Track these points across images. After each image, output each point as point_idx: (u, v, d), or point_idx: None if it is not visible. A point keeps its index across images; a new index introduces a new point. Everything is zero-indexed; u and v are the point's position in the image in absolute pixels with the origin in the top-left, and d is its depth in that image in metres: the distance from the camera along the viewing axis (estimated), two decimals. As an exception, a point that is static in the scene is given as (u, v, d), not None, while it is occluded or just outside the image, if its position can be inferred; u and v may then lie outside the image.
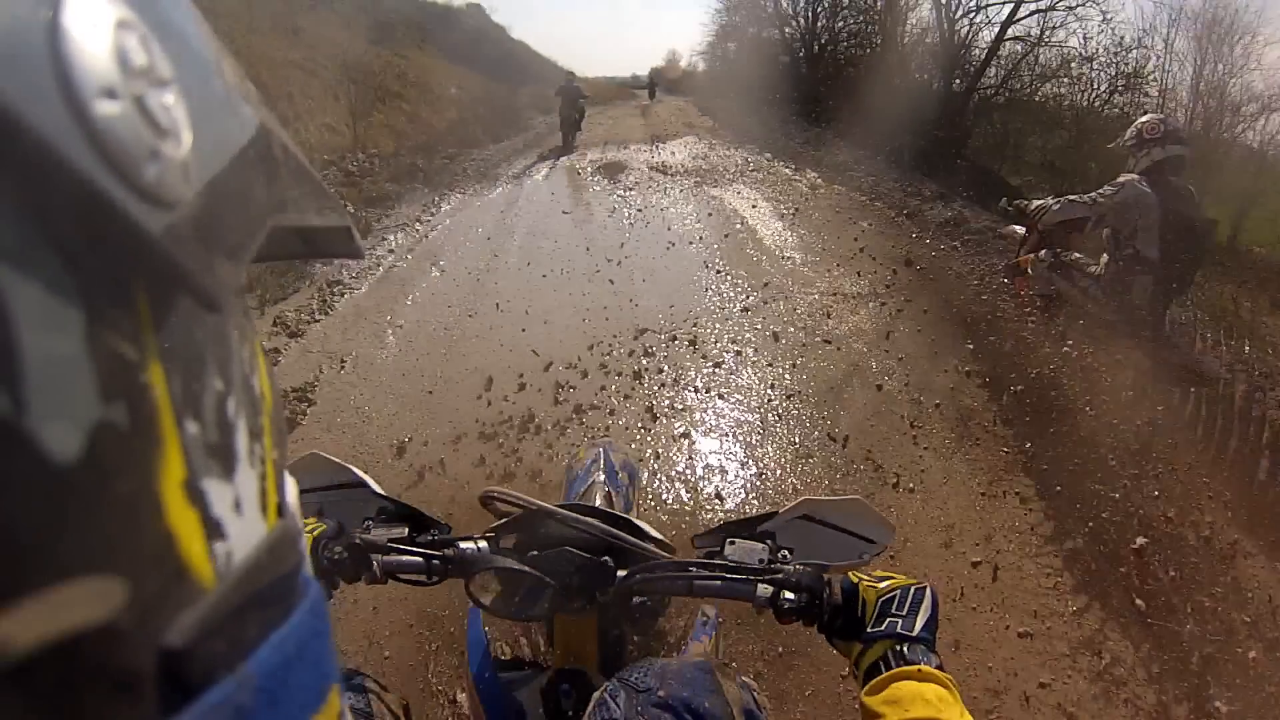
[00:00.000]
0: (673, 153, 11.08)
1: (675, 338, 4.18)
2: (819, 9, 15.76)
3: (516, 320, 4.44)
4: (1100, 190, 3.61)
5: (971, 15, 10.67)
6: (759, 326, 4.36)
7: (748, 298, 4.83)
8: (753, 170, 9.49)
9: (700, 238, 6.24)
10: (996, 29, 10.82)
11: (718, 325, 4.39)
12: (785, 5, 16.75)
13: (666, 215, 7.07)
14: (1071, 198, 3.71)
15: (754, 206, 7.39)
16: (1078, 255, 3.95)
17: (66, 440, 0.15)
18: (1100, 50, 10.59)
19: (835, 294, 4.88)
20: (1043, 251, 4.01)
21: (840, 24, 14.76)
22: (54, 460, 0.15)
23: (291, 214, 0.25)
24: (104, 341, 0.16)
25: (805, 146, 10.92)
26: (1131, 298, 3.65)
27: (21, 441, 0.14)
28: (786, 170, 9.51)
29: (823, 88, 13.42)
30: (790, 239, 6.19)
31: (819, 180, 8.79)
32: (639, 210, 7.27)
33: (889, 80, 11.57)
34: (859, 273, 5.28)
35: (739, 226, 6.60)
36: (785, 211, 7.14)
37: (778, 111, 14.13)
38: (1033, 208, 3.96)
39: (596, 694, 0.73)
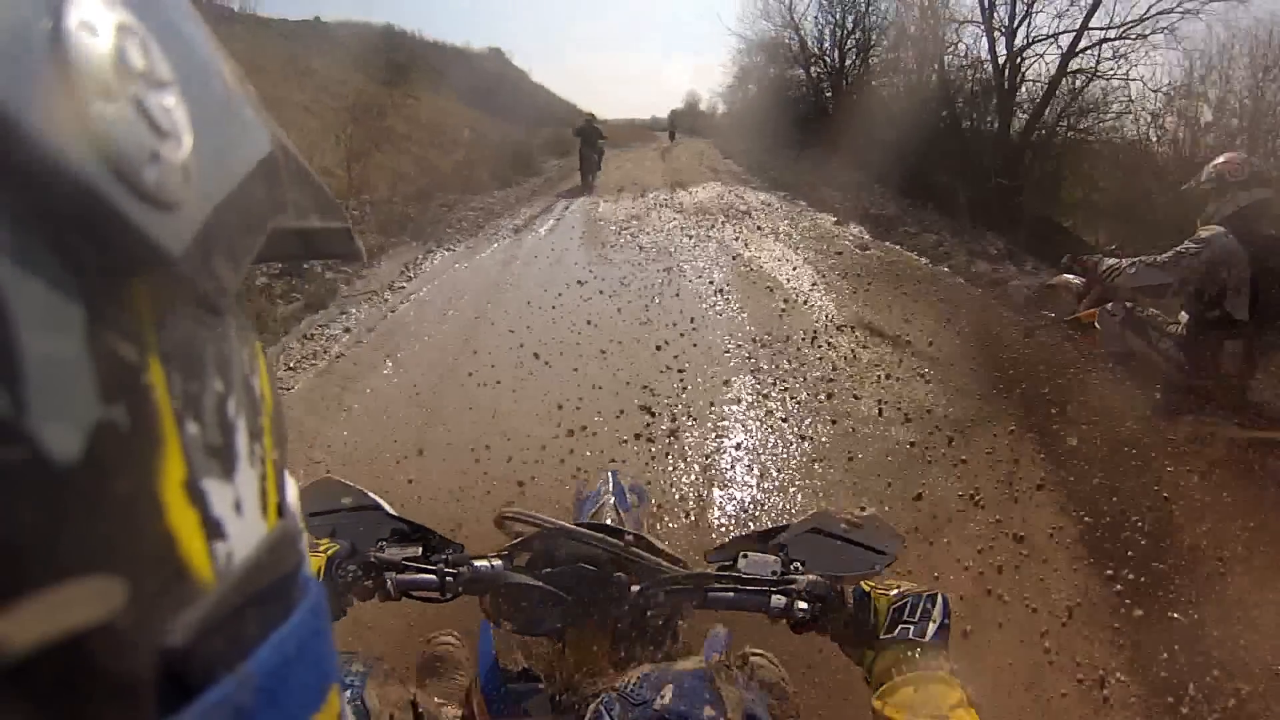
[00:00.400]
0: (698, 202, 9.68)
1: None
2: (848, 46, 14.59)
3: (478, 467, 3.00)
4: (1181, 248, 3.07)
5: (1022, 50, 9.19)
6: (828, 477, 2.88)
7: (813, 440, 3.35)
8: (788, 224, 8.07)
9: (741, 338, 4.75)
10: (1048, 60, 9.38)
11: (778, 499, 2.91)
12: (811, 44, 15.58)
13: (691, 290, 5.63)
14: (1149, 259, 3.15)
15: (799, 277, 5.92)
16: (1154, 311, 3.39)
17: (66, 440, 0.15)
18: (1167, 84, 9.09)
19: (931, 419, 3.39)
20: (1110, 305, 3.41)
21: (875, 60, 13.45)
22: (54, 460, 0.14)
23: (292, 216, 0.25)
24: (104, 342, 0.16)
25: (842, 195, 9.51)
26: (1220, 364, 3.10)
27: (21, 441, 0.14)
28: (827, 223, 8.09)
29: (854, 130, 12.07)
30: (853, 331, 4.70)
31: (867, 236, 7.35)
32: (654, 282, 5.83)
33: (931, 122, 10.17)
34: (948, 380, 3.80)
35: (781, 304, 5.15)
36: (836, 282, 5.66)
37: (806, 155, 12.79)
38: (1103, 268, 3.35)
39: (591, 706, 0.69)
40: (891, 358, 4.12)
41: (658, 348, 4.19)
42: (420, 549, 0.86)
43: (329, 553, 0.80)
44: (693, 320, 4.70)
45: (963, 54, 10.25)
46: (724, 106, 26.27)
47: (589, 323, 4.65)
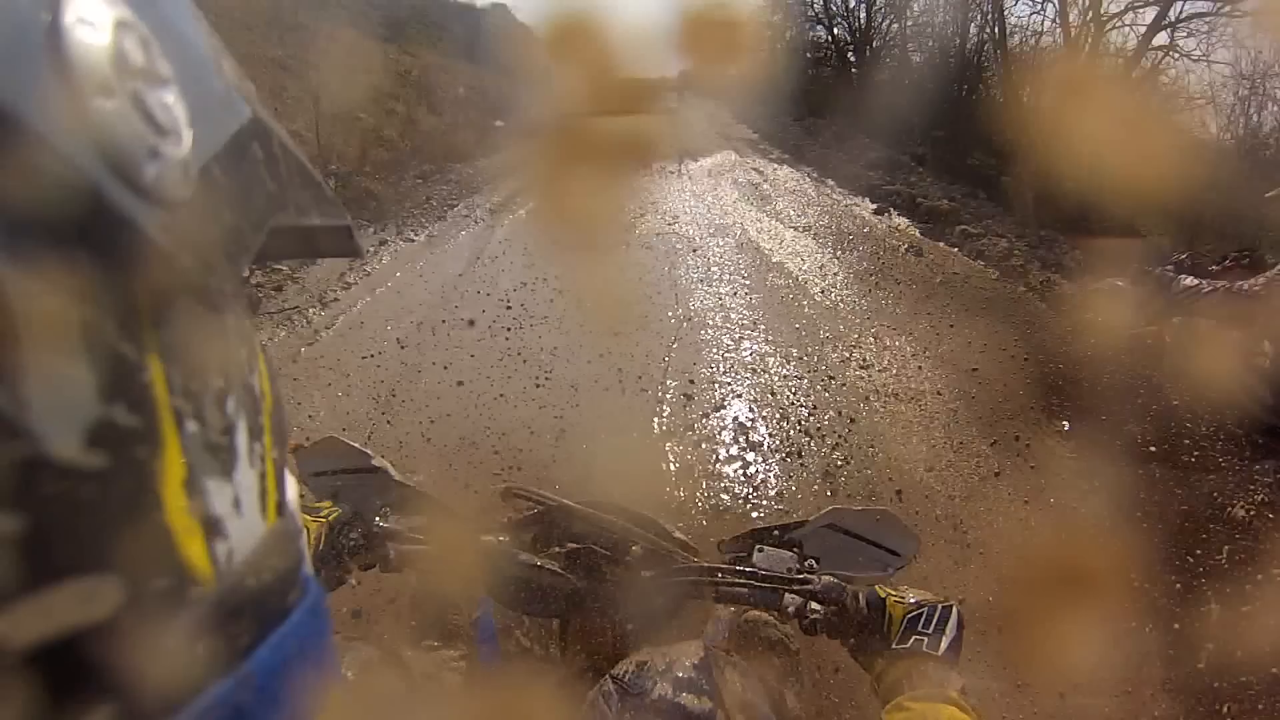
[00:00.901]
0: (710, 175, 8.12)
1: None
2: (877, 4, 12.81)
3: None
4: (1274, 272, 2.74)
5: (1108, 19, 7.51)
6: None
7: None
8: (818, 211, 6.57)
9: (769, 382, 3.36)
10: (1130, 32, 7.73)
11: None
12: (834, 3, 13.81)
13: (701, 295, 4.21)
14: (1235, 285, 2.82)
15: (845, 295, 4.46)
16: (1234, 334, 2.84)
17: (66, 439, 0.14)
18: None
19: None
20: (1177, 320, 2.95)
21: (910, 21, 11.70)
22: (54, 459, 0.14)
23: (292, 213, 0.24)
24: (104, 341, 0.15)
25: (877, 175, 7.96)
26: None
27: (22, 440, 0.14)
28: (864, 212, 6.60)
29: (885, 99, 10.43)
30: (921, 387, 3.31)
31: (916, 233, 5.89)
32: (654, 287, 4.40)
33: (982, 96, 8.57)
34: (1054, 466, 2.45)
35: (831, 350, 3.74)
36: (898, 310, 4.21)
37: (828, 124, 11.17)
38: (1180, 288, 2.99)
39: (591, 692, 0.67)
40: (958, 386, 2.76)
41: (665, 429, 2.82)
42: (425, 519, 0.81)
43: (330, 518, 0.76)
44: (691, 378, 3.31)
45: (1026, 24, 8.57)
46: (736, 67, 24.32)
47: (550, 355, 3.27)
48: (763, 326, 3.84)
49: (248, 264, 0.20)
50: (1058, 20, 7.93)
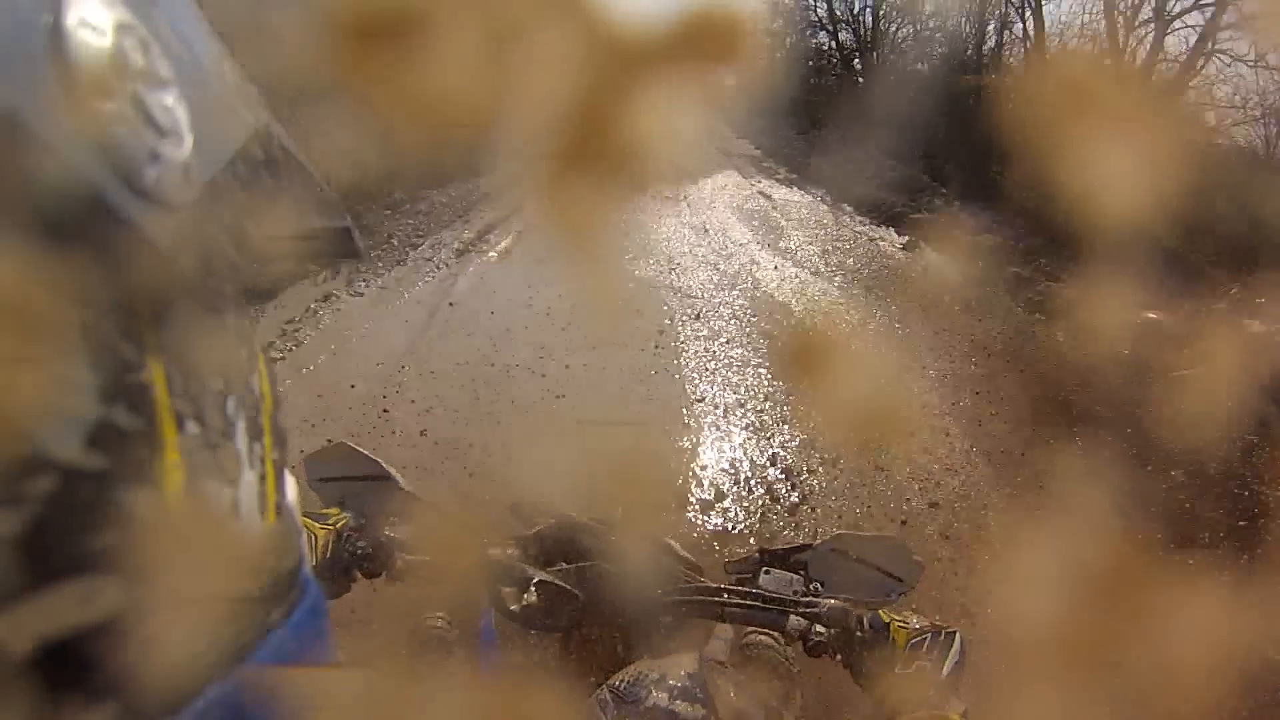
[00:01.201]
0: (711, 202, 7.21)
1: None
2: (881, 10, 11.98)
3: None
4: None
5: (1172, 19, 6.60)
6: None
7: None
8: (837, 247, 5.64)
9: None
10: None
11: None
12: (838, 8, 12.99)
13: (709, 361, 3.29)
14: None
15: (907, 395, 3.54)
16: None
17: (67, 440, 0.14)
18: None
19: None
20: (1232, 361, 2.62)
21: (924, 30, 10.82)
22: (54, 459, 0.14)
23: (293, 215, 0.24)
24: (104, 342, 0.15)
25: (896, 198, 7.07)
26: None
27: (22, 440, 0.14)
28: (890, 248, 5.70)
29: (896, 110, 9.56)
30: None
31: (956, 276, 4.98)
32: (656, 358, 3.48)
33: (1006, 105, 7.67)
34: None
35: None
36: (946, 394, 3.30)
37: (833, 137, 10.24)
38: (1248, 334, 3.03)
39: (589, 700, 0.68)
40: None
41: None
42: (432, 529, 0.81)
43: (338, 525, 0.76)
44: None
45: (1058, 18, 7.70)
46: (732, 76, 23.70)
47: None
48: (793, 446, 2.92)
49: (248, 265, 0.19)
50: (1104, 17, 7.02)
